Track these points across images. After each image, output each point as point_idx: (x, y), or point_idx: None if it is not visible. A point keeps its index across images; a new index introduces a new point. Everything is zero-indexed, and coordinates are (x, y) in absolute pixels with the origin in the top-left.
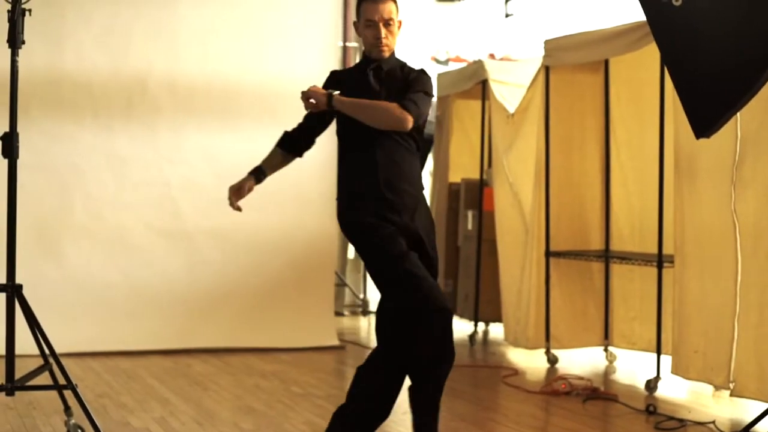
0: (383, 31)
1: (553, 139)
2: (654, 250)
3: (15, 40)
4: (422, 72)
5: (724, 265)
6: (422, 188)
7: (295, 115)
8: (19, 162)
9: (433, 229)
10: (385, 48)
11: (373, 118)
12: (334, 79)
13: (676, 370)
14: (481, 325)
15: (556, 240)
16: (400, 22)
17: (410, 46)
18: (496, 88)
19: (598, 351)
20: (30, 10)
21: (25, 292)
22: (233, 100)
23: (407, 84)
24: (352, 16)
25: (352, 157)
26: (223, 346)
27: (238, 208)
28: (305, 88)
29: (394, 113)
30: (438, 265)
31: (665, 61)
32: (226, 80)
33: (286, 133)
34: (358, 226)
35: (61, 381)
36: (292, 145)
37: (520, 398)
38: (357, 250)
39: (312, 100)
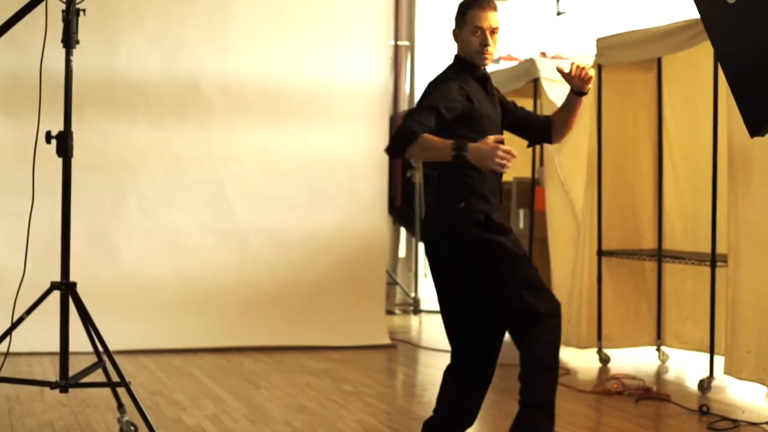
0: (490, 39)
1: (605, 137)
2: (707, 249)
3: (70, 40)
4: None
5: None
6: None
7: (345, 114)
8: (73, 161)
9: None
10: (489, 56)
11: (573, 124)
12: (458, 84)
13: (728, 371)
14: None
15: (608, 239)
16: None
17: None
18: (547, 87)
19: (650, 351)
20: (84, 10)
21: (79, 290)
22: (285, 99)
23: (503, 99)
24: (404, 14)
25: (471, 171)
26: (275, 345)
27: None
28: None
29: None
30: None
31: (719, 58)
32: (278, 79)
33: (416, 128)
34: (491, 247)
35: (115, 378)
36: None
37: (572, 398)
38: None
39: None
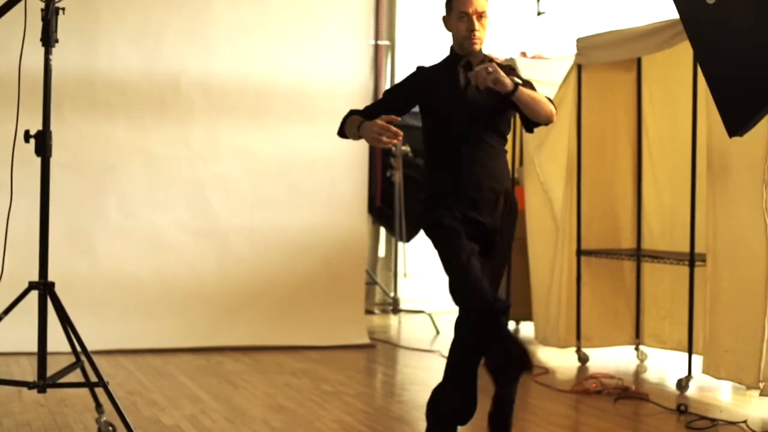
0: (477, 23)
1: (584, 137)
2: (685, 249)
3: (49, 39)
4: (514, 70)
5: (756, 265)
6: (507, 183)
7: (326, 114)
8: (52, 160)
9: (512, 227)
10: (478, 41)
11: (537, 114)
12: (422, 75)
13: (706, 370)
14: (511, 324)
15: (587, 239)
16: (488, 16)
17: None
18: None
19: (628, 350)
20: (63, 9)
21: (58, 290)
22: (265, 99)
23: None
24: (385, 14)
25: (438, 156)
26: (254, 344)
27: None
28: (482, 66)
29: (551, 109)
30: (503, 267)
31: (698, 58)
32: (259, 79)
33: (355, 111)
34: (430, 225)
35: (93, 378)
36: (371, 118)
37: (550, 397)
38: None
39: (493, 78)
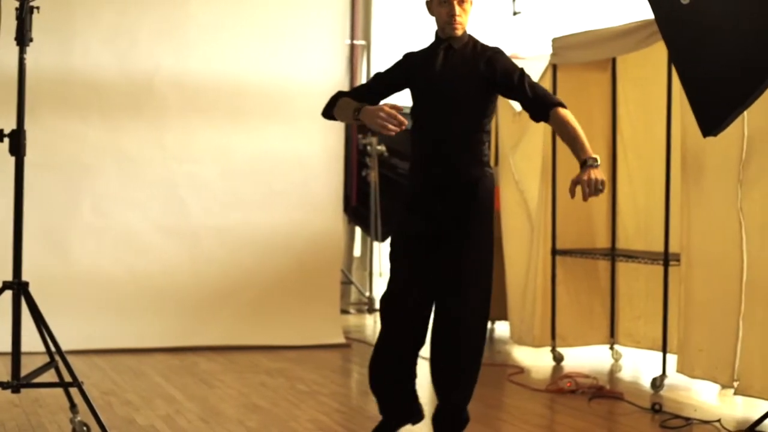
0: (457, 8)
1: (559, 137)
2: (660, 248)
3: (23, 38)
4: (502, 53)
5: (730, 264)
6: (477, 172)
7: (301, 113)
8: (26, 160)
9: (479, 214)
10: (459, 26)
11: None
12: (408, 60)
13: (681, 369)
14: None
15: (562, 238)
16: (472, 2)
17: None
18: None
19: (603, 349)
20: (38, 8)
21: (32, 290)
22: (241, 99)
23: (493, 69)
24: (360, 14)
25: (415, 143)
26: (228, 344)
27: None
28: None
29: (573, 119)
30: (481, 254)
31: (673, 59)
32: (234, 79)
33: (343, 93)
34: (392, 234)
35: (67, 378)
36: (359, 100)
37: (525, 396)
38: None
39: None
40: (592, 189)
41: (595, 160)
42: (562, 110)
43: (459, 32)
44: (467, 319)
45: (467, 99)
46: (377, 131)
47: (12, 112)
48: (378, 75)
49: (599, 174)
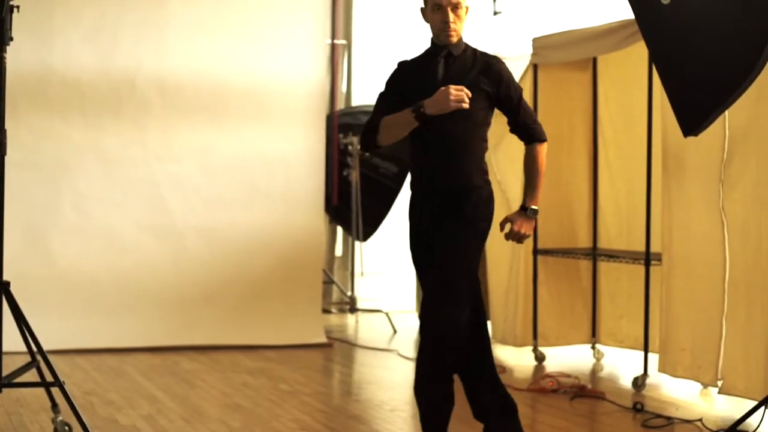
0: (451, 15)
1: None
2: (641, 248)
3: (3, 37)
4: (503, 64)
5: (712, 264)
6: (474, 179)
7: (282, 113)
8: (6, 159)
9: (469, 223)
10: (453, 33)
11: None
12: (403, 69)
13: (663, 368)
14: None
15: (544, 238)
16: (467, 8)
17: (399, 44)
18: None
19: (585, 349)
20: (18, 7)
21: (13, 289)
22: (222, 98)
23: (497, 83)
24: (341, 13)
25: (414, 150)
26: (210, 344)
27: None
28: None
29: (544, 161)
30: (451, 265)
31: (653, 59)
32: (215, 78)
33: (374, 120)
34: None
35: (49, 378)
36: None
37: None
38: None
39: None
40: (515, 239)
41: (535, 212)
42: (540, 147)
43: (454, 39)
44: (433, 302)
45: (469, 108)
46: (454, 108)
47: None
48: (383, 94)
49: (529, 229)
